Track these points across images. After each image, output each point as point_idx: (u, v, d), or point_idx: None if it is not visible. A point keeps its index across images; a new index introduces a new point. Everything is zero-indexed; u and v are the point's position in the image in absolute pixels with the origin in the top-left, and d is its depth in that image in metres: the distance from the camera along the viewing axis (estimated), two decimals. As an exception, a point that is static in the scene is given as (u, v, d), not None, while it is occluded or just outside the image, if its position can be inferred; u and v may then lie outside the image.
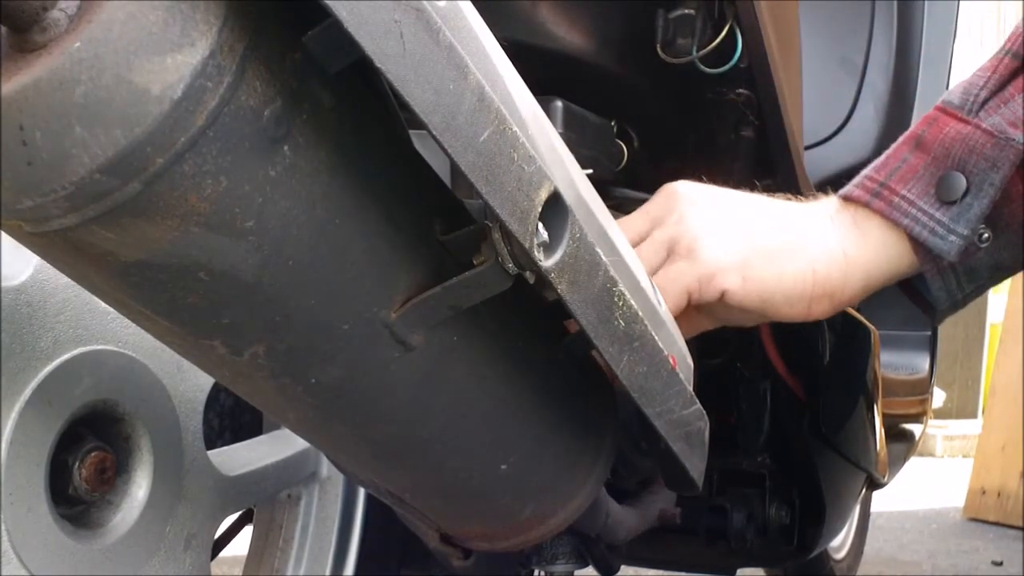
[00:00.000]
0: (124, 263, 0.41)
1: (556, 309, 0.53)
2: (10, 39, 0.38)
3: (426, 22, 0.39)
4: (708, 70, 0.88)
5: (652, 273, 0.74)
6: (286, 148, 0.41)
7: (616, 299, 0.52)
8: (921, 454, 5.08)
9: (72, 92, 0.36)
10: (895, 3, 1.55)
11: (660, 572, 1.69)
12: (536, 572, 0.81)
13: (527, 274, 0.46)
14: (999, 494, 3.79)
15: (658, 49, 0.87)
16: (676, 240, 0.75)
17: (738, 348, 1.08)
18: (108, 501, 0.68)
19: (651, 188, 0.83)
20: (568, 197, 0.47)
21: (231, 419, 0.90)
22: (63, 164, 0.37)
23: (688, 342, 0.69)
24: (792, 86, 0.95)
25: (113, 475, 0.67)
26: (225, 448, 0.81)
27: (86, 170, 0.37)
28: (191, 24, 0.37)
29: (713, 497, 1.16)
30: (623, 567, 0.97)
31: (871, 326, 1.15)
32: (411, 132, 0.50)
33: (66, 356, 0.63)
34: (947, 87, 1.54)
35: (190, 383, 0.73)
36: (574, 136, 0.84)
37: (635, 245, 0.75)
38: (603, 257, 0.50)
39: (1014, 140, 0.71)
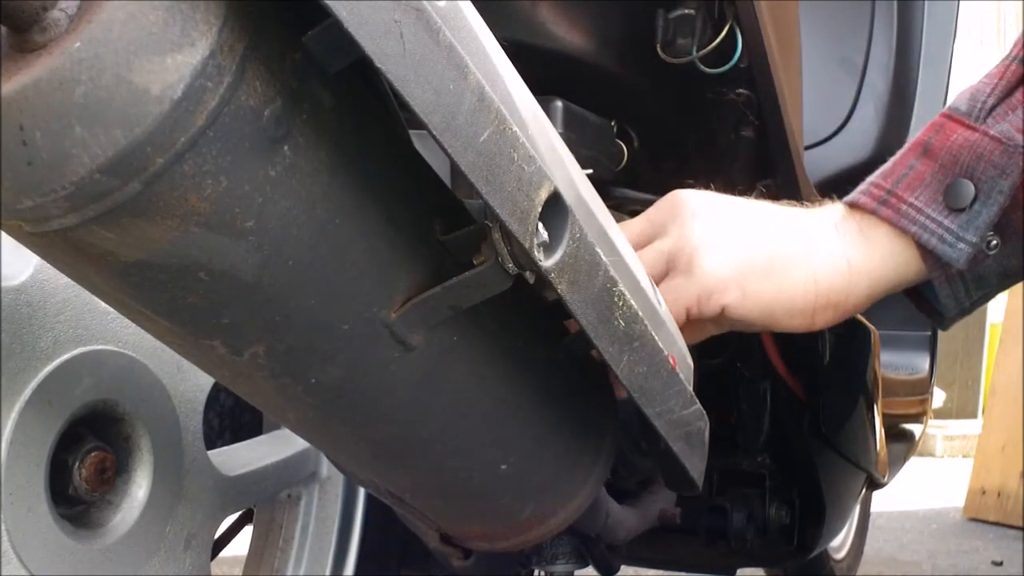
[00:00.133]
0: (124, 263, 0.41)
1: (556, 309, 0.53)
2: (10, 39, 0.38)
3: (426, 22, 0.39)
4: (708, 70, 0.88)
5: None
6: (286, 148, 0.41)
7: (616, 299, 0.52)
8: (921, 454, 5.08)
9: (72, 92, 0.36)
10: (895, 3, 1.55)
11: (660, 572, 1.69)
12: (536, 572, 0.81)
13: (527, 274, 0.46)
14: (999, 494, 3.79)
15: (658, 49, 0.87)
16: (676, 253, 0.74)
17: (738, 348, 1.08)
18: (108, 501, 0.68)
19: (651, 188, 0.83)
20: (568, 197, 0.47)
21: (231, 419, 0.90)
22: (63, 164, 0.37)
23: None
24: (792, 86, 0.95)
25: (113, 475, 0.67)
26: (225, 448, 0.81)
27: (86, 170, 0.37)
28: (191, 24, 0.37)
29: (713, 497, 1.16)
30: (623, 567, 0.97)
31: (871, 326, 1.15)
32: (411, 132, 0.50)
33: (66, 356, 0.63)
34: (947, 87, 1.54)
35: (190, 383, 0.73)
36: (574, 136, 0.84)
37: (636, 251, 0.75)
38: (603, 257, 0.50)
39: (1023, 147, 0.71)
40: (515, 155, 0.43)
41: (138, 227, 0.39)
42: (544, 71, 0.72)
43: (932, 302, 0.80)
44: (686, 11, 0.86)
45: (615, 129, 0.93)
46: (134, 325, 0.49)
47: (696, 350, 0.73)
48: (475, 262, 0.47)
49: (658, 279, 0.74)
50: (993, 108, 0.73)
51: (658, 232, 0.76)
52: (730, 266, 0.73)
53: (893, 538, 3.27)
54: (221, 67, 0.38)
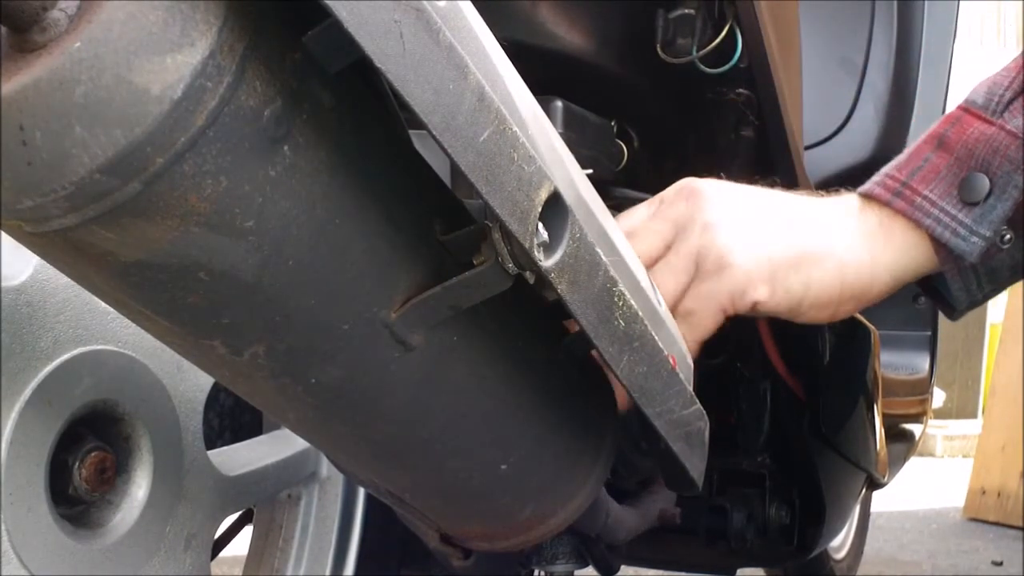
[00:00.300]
0: (124, 263, 0.41)
1: (556, 309, 0.53)
2: (10, 39, 0.38)
3: (426, 22, 0.39)
4: (708, 70, 0.88)
5: (682, 290, 0.73)
6: (286, 148, 0.41)
7: (616, 299, 0.52)
8: (921, 454, 5.08)
9: (72, 92, 0.36)
10: (895, 3, 1.55)
11: (660, 572, 1.69)
12: (536, 572, 0.81)
13: (527, 274, 0.46)
14: (999, 494, 3.79)
15: (658, 49, 0.87)
16: (703, 254, 0.74)
17: (738, 348, 1.08)
18: (108, 501, 0.68)
19: (651, 188, 0.83)
20: (568, 197, 0.47)
21: (231, 419, 0.90)
22: (63, 164, 0.37)
23: (706, 343, 0.70)
24: (792, 86, 0.95)
25: (113, 475, 0.67)
26: (225, 448, 0.81)
27: (86, 170, 0.37)
28: (191, 24, 0.37)
29: (713, 497, 1.16)
30: (623, 567, 0.96)
31: (871, 326, 1.15)
32: (411, 132, 0.50)
33: (66, 356, 0.64)
34: (947, 87, 1.54)
35: (190, 383, 0.73)
36: (574, 136, 0.84)
37: (659, 252, 0.74)
38: (603, 257, 0.50)
39: None
40: (515, 155, 0.43)
41: (138, 227, 0.39)
42: (544, 71, 0.72)
43: (943, 293, 0.80)
44: (686, 11, 0.86)
45: (615, 129, 0.93)
46: (134, 325, 0.49)
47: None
48: (475, 262, 0.47)
49: (687, 283, 0.74)
50: (1010, 102, 0.73)
51: (680, 231, 0.75)
52: (760, 262, 0.73)
53: (893, 538, 3.27)
54: (221, 67, 0.38)
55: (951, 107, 0.78)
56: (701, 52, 0.86)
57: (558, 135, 0.55)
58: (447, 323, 0.50)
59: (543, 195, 0.45)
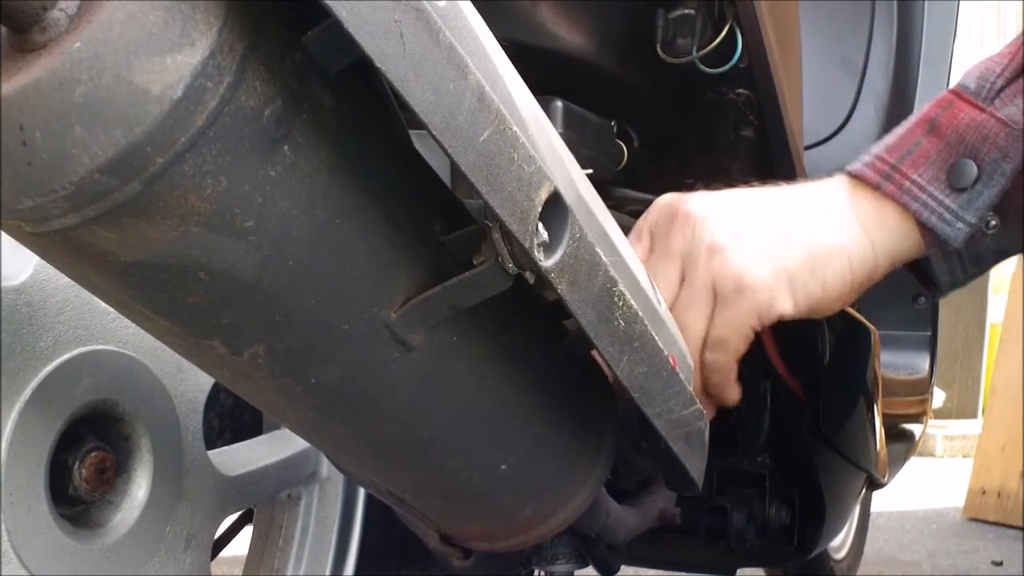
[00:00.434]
0: (124, 263, 0.41)
1: (556, 309, 0.53)
2: (10, 39, 0.38)
3: (426, 22, 0.39)
4: (708, 70, 0.88)
5: (707, 320, 0.72)
6: (286, 148, 0.41)
7: (616, 299, 0.52)
8: (921, 454, 5.08)
9: (72, 92, 0.36)
10: (895, 3, 1.55)
11: (660, 572, 1.69)
12: (536, 572, 0.81)
13: (527, 274, 0.46)
14: (999, 494, 3.79)
15: (658, 49, 0.87)
16: (719, 281, 0.72)
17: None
18: (108, 501, 0.68)
19: (651, 188, 0.83)
20: (568, 197, 0.47)
21: (231, 419, 0.90)
22: (63, 164, 0.37)
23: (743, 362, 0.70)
24: (792, 86, 0.95)
25: (113, 475, 0.67)
26: (225, 448, 0.81)
27: (86, 170, 0.37)
28: (191, 24, 0.37)
29: (713, 497, 1.16)
30: (623, 567, 0.96)
31: (871, 326, 1.15)
32: (411, 132, 0.50)
33: (66, 356, 0.64)
34: (947, 87, 1.54)
35: (190, 383, 0.73)
36: (574, 136, 0.84)
37: (674, 292, 0.73)
38: (603, 257, 0.50)
39: None
40: (515, 155, 0.43)
41: (138, 227, 0.39)
42: (544, 71, 0.72)
43: (928, 273, 0.80)
44: (686, 11, 0.86)
45: (615, 129, 0.93)
46: (134, 325, 0.49)
47: (696, 350, 0.73)
48: (475, 262, 0.47)
49: (711, 312, 0.73)
50: (1002, 89, 0.73)
51: (688, 264, 0.73)
52: (778, 275, 0.73)
53: (893, 538, 3.27)
54: (221, 67, 0.38)
55: None
56: (701, 52, 0.86)
57: (558, 135, 0.55)
58: (447, 323, 0.50)
59: (543, 195, 0.45)
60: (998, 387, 4.04)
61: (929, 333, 1.62)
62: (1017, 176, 0.72)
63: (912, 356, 1.61)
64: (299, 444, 0.85)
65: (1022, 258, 3.94)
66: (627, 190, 0.92)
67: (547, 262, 0.46)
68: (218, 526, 0.78)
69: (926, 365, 1.62)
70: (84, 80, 0.36)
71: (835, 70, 1.53)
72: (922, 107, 0.78)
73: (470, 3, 0.47)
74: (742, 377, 0.99)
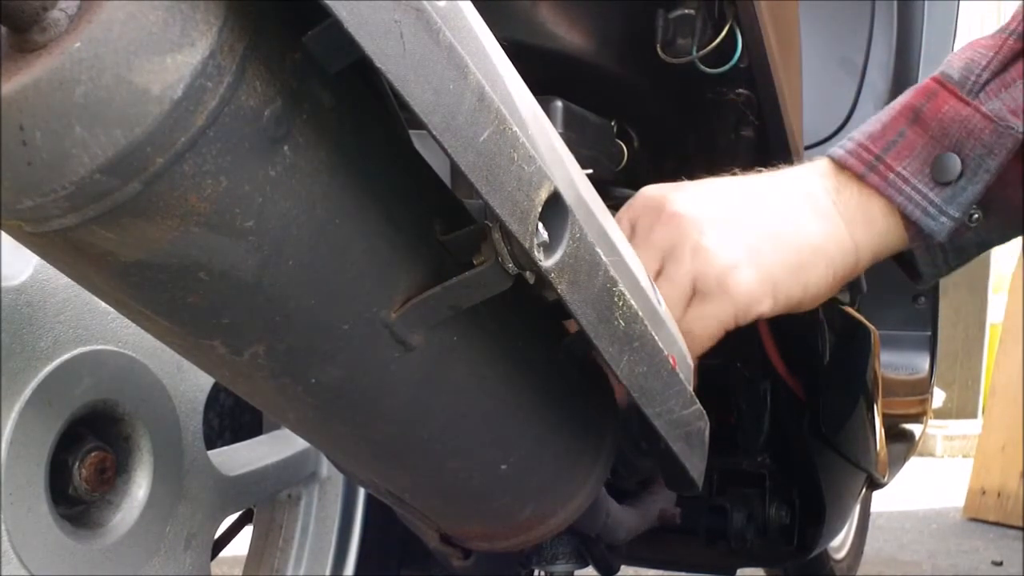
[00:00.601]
0: (124, 263, 0.41)
1: (556, 309, 0.53)
2: (10, 39, 0.38)
3: (426, 22, 0.39)
4: (708, 70, 0.87)
5: (679, 314, 0.73)
6: (286, 148, 0.41)
7: (616, 299, 0.52)
8: (921, 454, 5.08)
9: (72, 92, 0.36)
10: (895, 3, 1.55)
11: (660, 572, 1.69)
12: (536, 572, 0.81)
13: (527, 274, 0.46)
14: (999, 494, 3.79)
15: (658, 49, 0.87)
16: (700, 276, 0.73)
17: (738, 348, 1.08)
18: (108, 501, 0.68)
19: (651, 188, 0.83)
20: (568, 197, 0.47)
21: (231, 419, 0.90)
22: (63, 164, 0.37)
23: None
24: (792, 86, 0.95)
25: (113, 475, 0.67)
26: (225, 448, 0.81)
27: (86, 170, 0.37)
28: (191, 24, 0.37)
29: (713, 497, 1.16)
30: (623, 567, 0.96)
31: (871, 326, 1.15)
32: (411, 132, 0.50)
33: (66, 356, 0.63)
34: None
35: (190, 383, 0.73)
36: (574, 136, 0.84)
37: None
38: (603, 257, 0.50)
39: (1013, 128, 0.71)
40: (515, 155, 0.43)
41: (138, 227, 0.39)
42: (544, 71, 0.72)
43: (912, 264, 0.81)
44: (686, 11, 0.86)
45: (615, 129, 0.93)
46: (134, 325, 0.49)
47: (696, 350, 0.73)
48: (475, 262, 0.47)
49: (685, 306, 0.73)
50: (987, 83, 0.73)
51: (668, 257, 0.73)
52: (760, 278, 0.73)
53: (893, 538, 3.27)
54: (221, 67, 0.38)
55: None
56: (701, 52, 0.86)
57: (558, 135, 0.55)
58: (447, 323, 0.50)
59: (543, 195, 0.45)
60: (998, 387, 4.04)
61: (929, 333, 1.62)
62: (1002, 171, 0.73)
63: (912, 356, 1.61)
64: (299, 444, 0.85)
65: (1022, 257, 3.94)
66: (627, 190, 0.92)
67: (547, 262, 0.46)
68: (218, 526, 0.78)
69: (926, 365, 1.62)
70: (84, 80, 0.36)
71: (835, 70, 1.53)
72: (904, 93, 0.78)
73: (470, 3, 0.47)
74: (742, 377, 0.99)
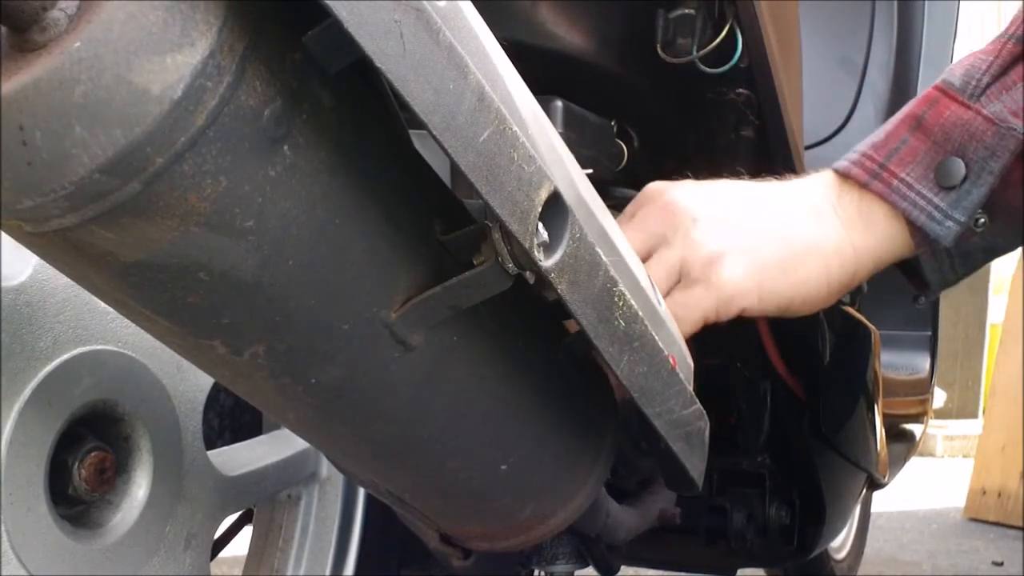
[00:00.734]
0: (124, 263, 0.41)
1: (556, 309, 0.53)
2: (10, 39, 0.38)
3: (426, 22, 0.39)
4: (708, 70, 0.87)
5: (664, 296, 0.73)
6: (286, 148, 0.41)
7: (616, 299, 0.52)
8: (921, 454, 5.07)
9: (72, 92, 0.36)
10: (895, 3, 1.55)
11: (660, 572, 1.69)
12: (536, 572, 0.81)
13: (527, 274, 0.46)
14: (999, 494, 3.79)
15: (658, 49, 0.87)
16: (688, 263, 0.73)
17: (738, 348, 1.08)
18: (108, 501, 0.68)
19: (651, 188, 0.83)
20: (568, 197, 0.47)
21: (231, 419, 0.90)
22: (63, 164, 0.37)
23: (688, 342, 0.69)
24: (792, 86, 0.95)
25: (113, 475, 0.67)
26: (225, 448, 0.81)
27: (86, 170, 0.37)
28: (191, 24, 0.37)
29: (713, 497, 1.16)
30: (623, 567, 0.97)
31: (871, 326, 1.15)
32: (411, 132, 0.50)
33: (66, 356, 0.63)
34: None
35: (190, 383, 0.73)
36: (574, 136, 0.84)
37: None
38: (603, 257, 0.50)
39: (1015, 129, 0.71)
40: (515, 155, 0.43)
41: (138, 227, 0.39)
42: (544, 71, 0.72)
43: (918, 272, 0.80)
44: (686, 11, 0.86)
45: (615, 129, 0.92)
46: (134, 325, 0.49)
47: (696, 350, 0.73)
48: (475, 262, 0.47)
49: (668, 290, 0.74)
50: (988, 87, 0.73)
51: (658, 242, 0.74)
52: (747, 271, 0.73)
53: (893, 538, 3.27)
54: (221, 67, 0.38)
55: None
56: (701, 52, 0.86)
57: (558, 135, 0.55)
58: (447, 323, 0.50)
59: (543, 195, 0.45)
60: (998, 387, 4.04)
61: (929, 333, 1.62)
62: (1005, 174, 0.73)
63: (912, 356, 1.61)
64: (299, 444, 0.85)
65: (1022, 258, 3.94)
66: (627, 190, 0.92)
67: (547, 262, 0.46)
68: (218, 526, 0.78)
69: (926, 365, 1.62)
70: (84, 80, 0.36)
71: (835, 70, 1.53)
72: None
73: (470, 3, 0.47)
74: (742, 377, 0.99)
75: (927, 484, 4.38)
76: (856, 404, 1.22)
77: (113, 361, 0.67)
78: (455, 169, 0.41)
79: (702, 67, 0.87)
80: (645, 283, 0.61)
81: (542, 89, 0.59)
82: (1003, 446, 3.86)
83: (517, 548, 0.66)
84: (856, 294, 1.02)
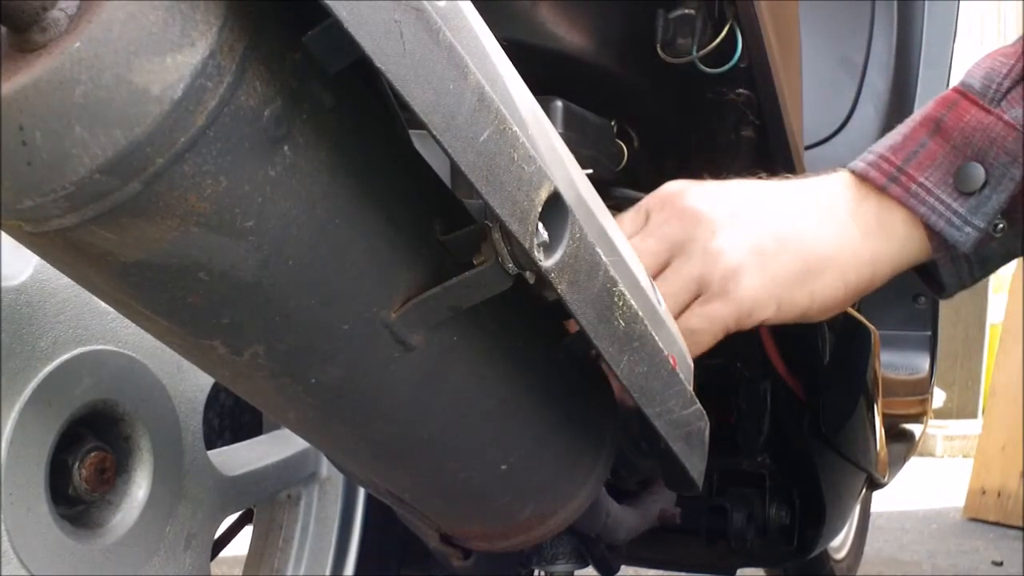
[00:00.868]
0: (124, 263, 0.41)
1: (556, 309, 0.53)
2: (10, 39, 0.38)
3: (426, 22, 0.39)
4: (708, 70, 0.87)
5: (681, 310, 0.73)
6: (286, 148, 0.41)
7: (616, 299, 0.52)
8: (921, 454, 5.07)
9: (72, 92, 0.36)
10: (895, 3, 1.55)
11: (660, 572, 1.69)
12: (536, 572, 0.81)
13: (527, 274, 0.46)
14: (999, 494, 3.79)
15: (658, 49, 0.87)
16: (707, 276, 0.73)
17: (738, 348, 1.08)
18: (108, 501, 0.68)
19: (651, 188, 0.83)
20: (568, 197, 0.47)
21: (231, 419, 0.90)
22: (63, 164, 0.37)
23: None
24: (792, 86, 0.95)
25: (113, 475, 0.67)
26: (225, 448, 0.81)
27: (86, 170, 0.37)
28: (191, 24, 0.37)
29: (713, 497, 1.16)
30: (623, 567, 0.96)
31: (871, 326, 1.15)
32: (411, 132, 0.50)
33: (66, 356, 0.63)
34: (947, 87, 1.54)
35: (190, 383, 0.73)
36: (574, 136, 0.84)
37: (656, 272, 0.73)
38: (603, 257, 0.50)
39: None
40: (515, 155, 0.43)
41: (138, 227, 0.39)
42: (544, 71, 0.72)
43: (935, 276, 0.80)
44: (686, 11, 0.86)
45: (615, 129, 0.93)
46: (134, 325, 0.49)
47: (696, 350, 0.73)
48: (475, 262, 0.47)
49: (688, 302, 0.73)
50: (1009, 91, 0.73)
51: (676, 251, 0.74)
52: (765, 283, 0.73)
53: (893, 538, 3.27)
54: (221, 67, 0.38)
55: None
56: (701, 52, 0.86)
57: (558, 135, 0.55)
58: (447, 323, 0.50)
59: (543, 195, 0.45)
60: (998, 387, 4.04)
61: (929, 333, 1.62)
62: None
63: (912, 356, 1.61)
64: (299, 444, 0.85)
65: (1022, 259, 3.94)
66: (627, 190, 0.92)
67: (547, 262, 0.46)
68: (218, 526, 0.78)
69: (926, 365, 1.62)
70: (84, 80, 0.36)
71: (835, 70, 1.53)
72: (924, 106, 0.78)
73: (470, 3, 0.47)
74: (742, 377, 0.99)
75: (927, 484, 4.38)
76: (856, 404, 1.22)
77: (113, 361, 0.67)
78: (455, 169, 0.41)
79: (702, 67, 0.87)
80: (645, 283, 0.61)
81: (542, 89, 0.59)
82: (1003, 446, 3.86)
83: (517, 548, 0.66)
84: (857, 294, 1.02)
